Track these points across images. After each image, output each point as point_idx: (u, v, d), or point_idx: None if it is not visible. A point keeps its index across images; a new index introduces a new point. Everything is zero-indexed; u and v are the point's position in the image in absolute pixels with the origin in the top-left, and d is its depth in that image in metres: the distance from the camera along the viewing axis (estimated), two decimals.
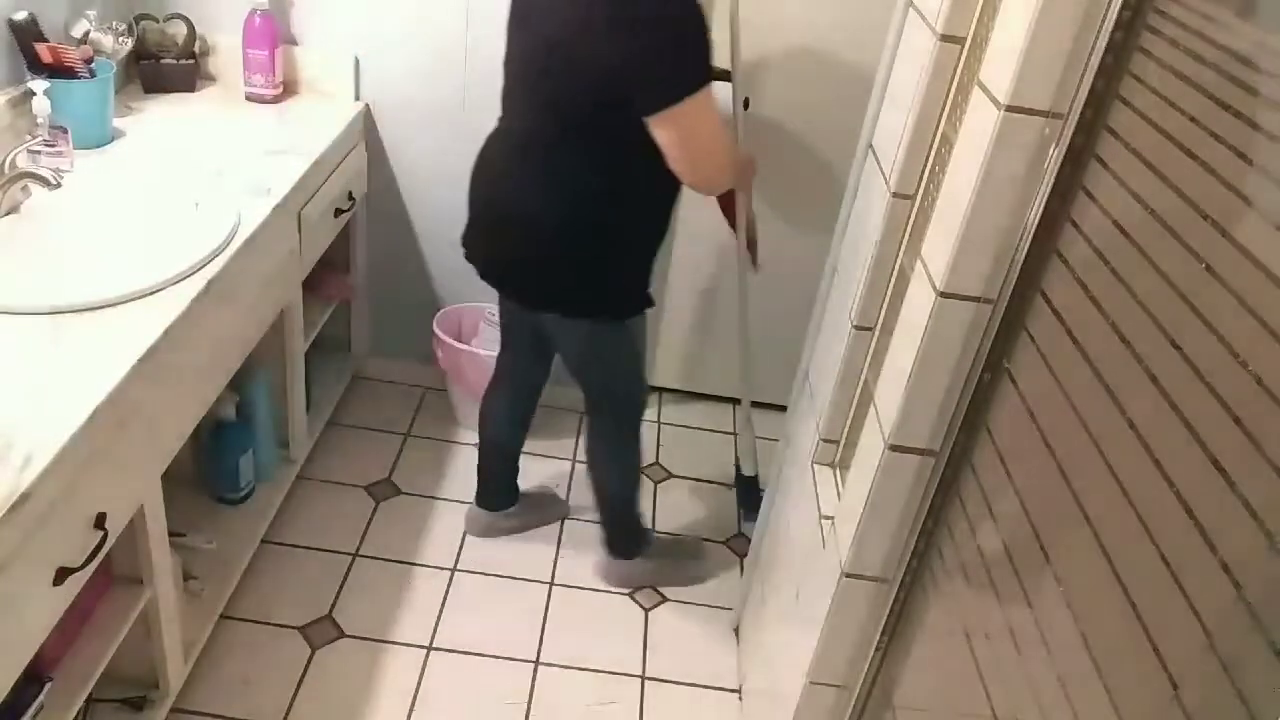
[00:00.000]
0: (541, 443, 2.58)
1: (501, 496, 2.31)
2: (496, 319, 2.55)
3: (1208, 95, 0.83)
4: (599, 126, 1.63)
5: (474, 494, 2.31)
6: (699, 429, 2.79)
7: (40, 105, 1.73)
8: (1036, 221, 1.05)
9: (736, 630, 2.19)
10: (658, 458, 2.66)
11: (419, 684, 1.95)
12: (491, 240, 1.86)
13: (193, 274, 1.53)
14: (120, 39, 2.07)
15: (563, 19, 1.57)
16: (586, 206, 1.71)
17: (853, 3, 2.30)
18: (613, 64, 1.54)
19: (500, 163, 1.80)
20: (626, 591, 2.24)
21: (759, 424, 2.86)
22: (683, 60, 1.56)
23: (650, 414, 2.77)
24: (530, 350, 2.10)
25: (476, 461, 2.29)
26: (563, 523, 2.40)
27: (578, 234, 1.74)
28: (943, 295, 1.16)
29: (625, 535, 2.23)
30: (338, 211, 2.22)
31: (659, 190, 1.76)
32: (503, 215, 1.81)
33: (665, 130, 1.59)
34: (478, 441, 2.26)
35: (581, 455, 2.61)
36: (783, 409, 2.03)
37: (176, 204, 1.75)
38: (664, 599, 2.24)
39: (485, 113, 2.35)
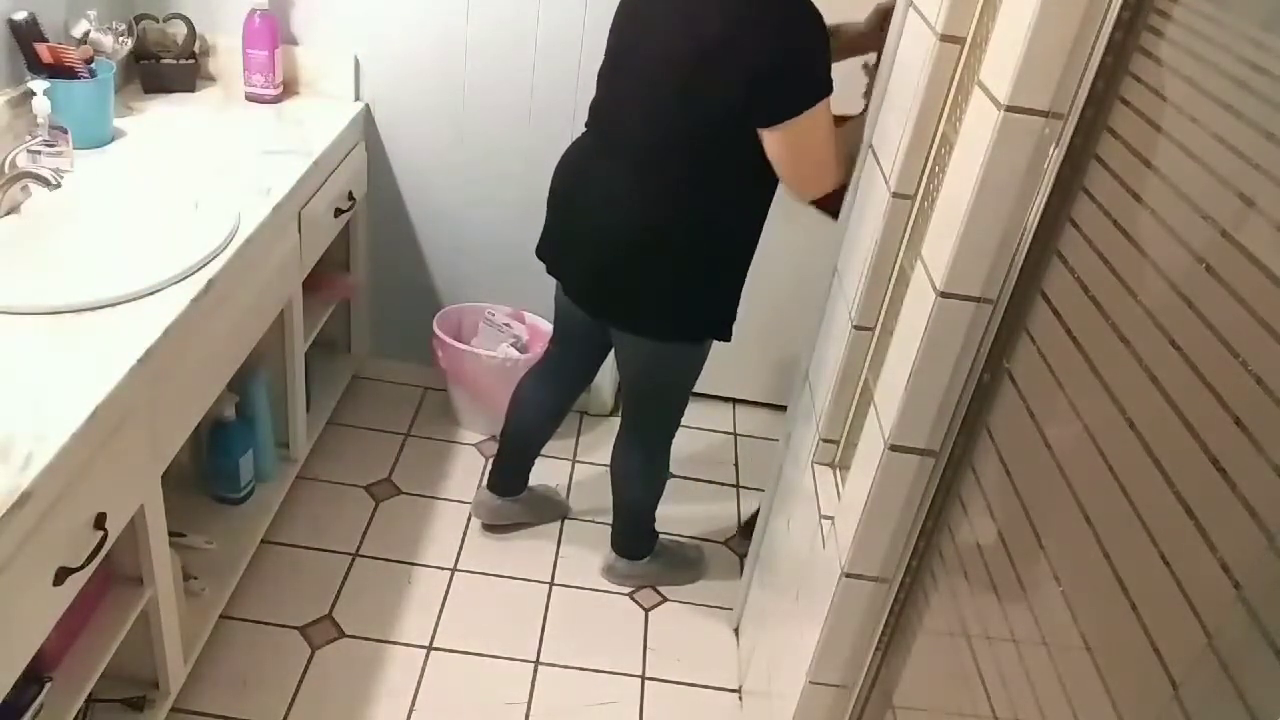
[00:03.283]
0: None
1: (514, 482, 2.31)
2: (496, 319, 2.56)
3: (1208, 95, 0.83)
4: (729, 142, 1.62)
5: (485, 480, 2.32)
6: (699, 429, 2.79)
7: (40, 105, 1.73)
8: (1036, 221, 1.05)
9: (736, 630, 2.19)
10: None
11: (419, 684, 1.95)
12: (590, 261, 1.80)
13: (193, 274, 1.53)
14: (120, 39, 2.07)
15: (714, 29, 1.55)
16: (712, 228, 1.71)
17: (852, 3, 2.29)
18: (761, 67, 1.54)
19: (610, 181, 1.73)
20: (627, 591, 2.24)
21: (759, 424, 2.86)
22: (822, 64, 1.59)
23: None
24: (589, 353, 2.09)
25: (498, 445, 2.29)
26: (563, 522, 2.40)
27: (700, 256, 1.73)
28: (943, 295, 1.16)
29: (638, 539, 2.23)
30: (338, 211, 2.22)
31: (763, 208, 1.77)
32: (613, 239, 1.74)
33: (796, 134, 1.59)
34: (505, 424, 2.24)
35: (581, 455, 2.61)
36: (783, 409, 2.02)
37: (176, 204, 1.75)
38: (664, 599, 2.24)
39: (485, 112, 2.37)
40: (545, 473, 2.51)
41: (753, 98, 1.56)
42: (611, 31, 1.74)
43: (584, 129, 1.84)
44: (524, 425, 2.23)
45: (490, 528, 2.33)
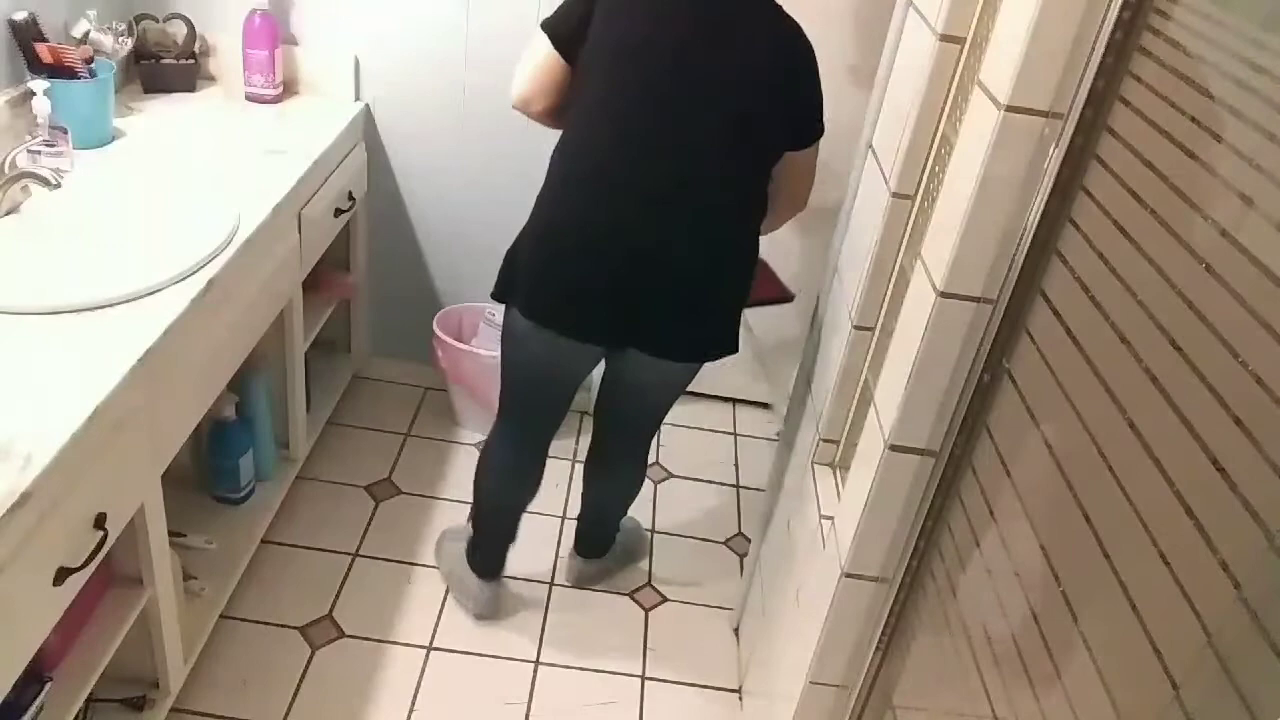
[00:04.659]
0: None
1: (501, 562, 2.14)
2: (496, 319, 2.55)
3: (1208, 95, 0.83)
4: (767, 162, 1.67)
5: (477, 560, 2.11)
6: (699, 429, 2.79)
7: (40, 105, 1.73)
8: (1036, 221, 1.05)
9: (736, 630, 2.19)
10: (658, 457, 2.65)
11: (419, 684, 1.95)
12: (633, 297, 1.65)
13: (193, 274, 1.53)
14: (120, 39, 2.07)
15: (762, 50, 1.59)
16: (754, 242, 1.74)
17: (852, 2, 2.30)
18: (807, 90, 1.63)
19: (644, 209, 1.60)
20: (627, 591, 2.24)
21: (759, 424, 2.86)
22: None
23: None
24: (563, 408, 1.93)
25: (478, 528, 2.09)
26: (562, 522, 2.40)
27: (749, 274, 1.75)
28: (943, 295, 1.16)
29: (605, 542, 2.24)
30: (338, 211, 2.22)
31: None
32: (688, 277, 1.64)
33: (815, 150, 1.70)
34: (481, 507, 2.06)
35: (582, 455, 2.61)
36: (783, 409, 2.02)
37: (176, 204, 1.75)
38: (664, 599, 2.24)
39: (485, 112, 2.37)
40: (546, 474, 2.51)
41: (800, 119, 1.66)
42: (611, 23, 1.59)
43: (574, 139, 1.65)
44: (512, 503, 2.06)
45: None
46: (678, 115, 1.58)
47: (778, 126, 1.64)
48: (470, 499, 2.35)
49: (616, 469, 2.09)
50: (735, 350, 1.78)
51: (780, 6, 1.62)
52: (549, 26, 1.66)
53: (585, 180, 1.63)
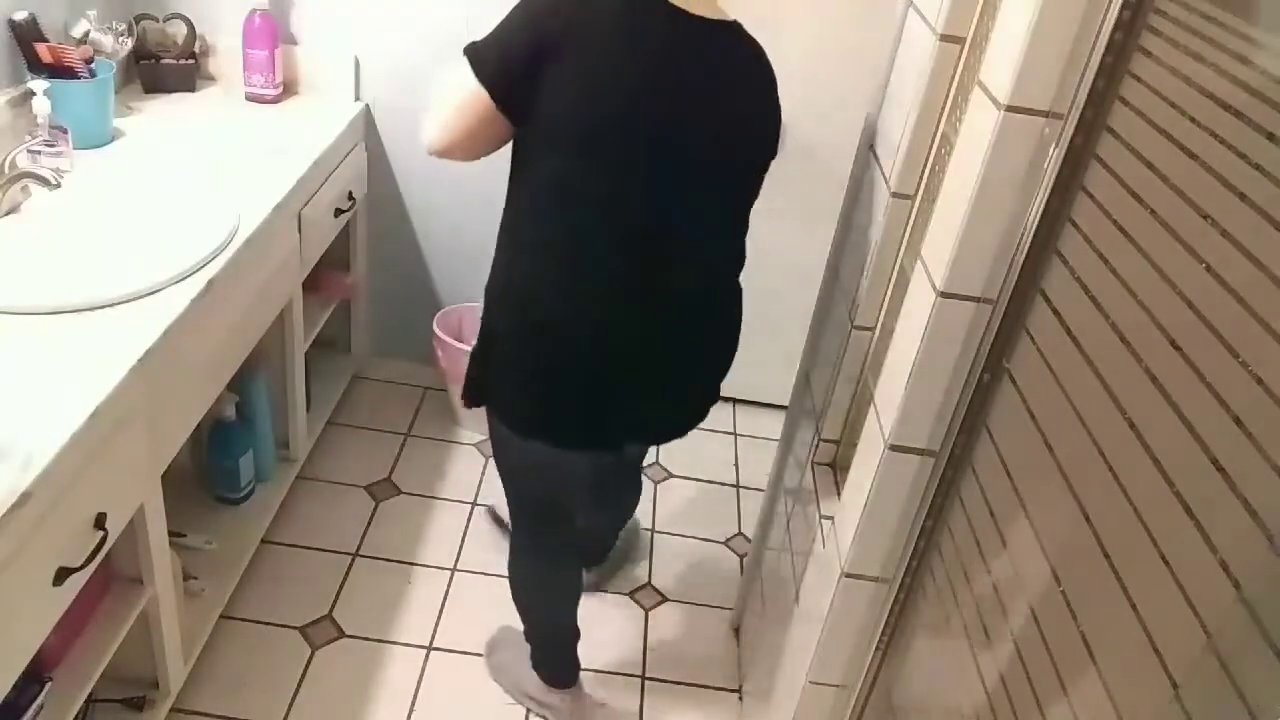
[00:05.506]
0: None
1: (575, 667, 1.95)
2: None
3: (1208, 95, 0.83)
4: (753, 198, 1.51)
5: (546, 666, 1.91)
6: (699, 429, 2.79)
7: (40, 105, 1.73)
8: (1036, 221, 1.05)
9: (736, 630, 2.19)
10: (658, 458, 2.66)
11: (419, 684, 1.95)
12: (688, 393, 1.58)
13: (192, 274, 1.53)
14: (120, 39, 2.07)
15: (748, 90, 1.41)
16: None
17: (852, 2, 2.30)
18: (777, 123, 1.46)
19: (668, 318, 1.46)
20: (627, 591, 2.24)
21: (759, 424, 2.86)
22: None
23: None
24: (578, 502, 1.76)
25: (548, 640, 1.90)
26: None
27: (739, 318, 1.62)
28: (943, 295, 1.16)
29: (607, 551, 2.25)
30: (338, 211, 2.22)
31: None
32: (708, 357, 1.57)
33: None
34: (542, 623, 1.88)
35: None
36: (783, 409, 2.02)
37: (176, 204, 1.75)
38: (664, 599, 2.24)
39: None
40: None
41: (772, 153, 1.47)
42: (583, 92, 1.32)
43: (556, 228, 1.40)
44: (563, 612, 1.86)
45: None
46: (690, 206, 1.40)
47: (764, 169, 1.47)
48: (470, 499, 2.35)
49: (619, 499, 2.08)
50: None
51: (741, 27, 1.40)
52: (485, 73, 1.34)
53: (589, 285, 1.41)
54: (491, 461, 2.43)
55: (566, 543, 1.78)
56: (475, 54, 1.36)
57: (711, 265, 1.50)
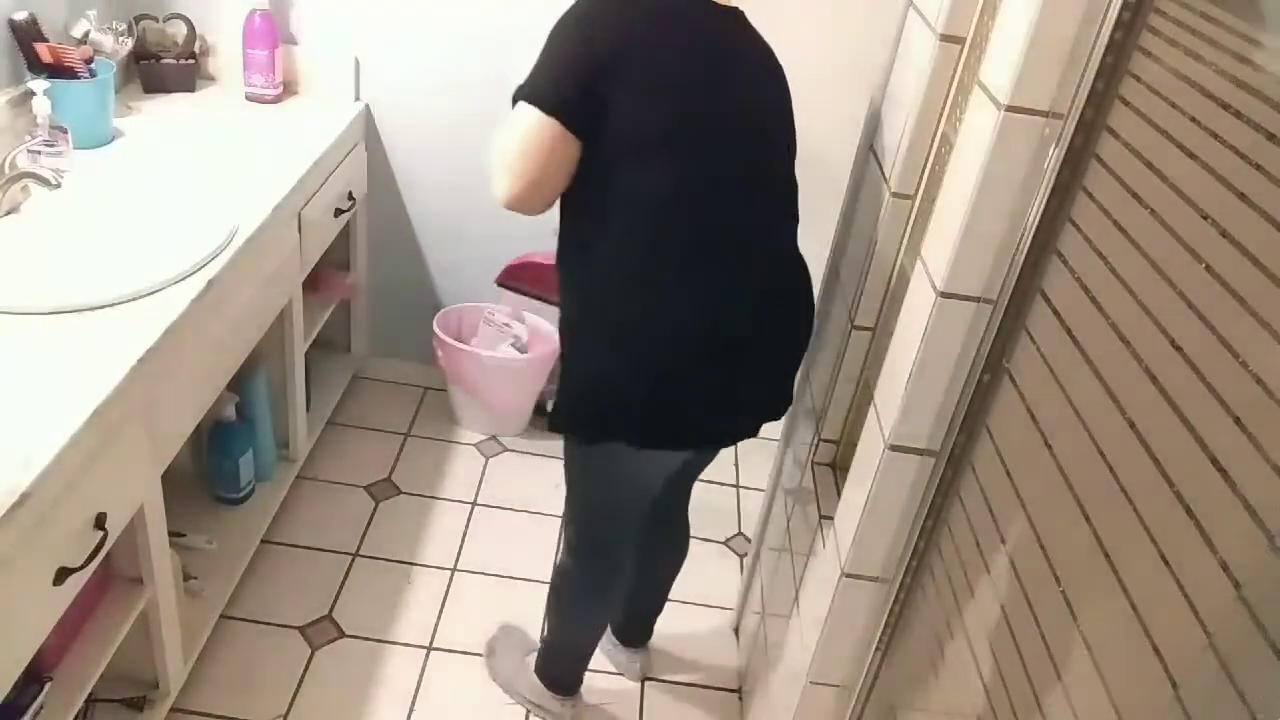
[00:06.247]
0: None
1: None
2: (496, 319, 2.55)
3: (1207, 95, 0.83)
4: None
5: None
6: None
7: (40, 105, 1.73)
8: (1036, 221, 1.05)
9: (736, 630, 2.19)
10: None
11: (419, 684, 1.95)
12: (783, 381, 1.57)
13: (193, 274, 1.53)
14: (120, 39, 2.07)
15: (776, 70, 1.46)
16: None
17: (853, 2, 2.30)
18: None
19: (774, 304, 1.49)
20: None
21: None
22: None
23: None
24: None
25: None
26: (561, 523, 2.40)
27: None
28: (943, 295, 1.16)
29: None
30: (338, 211, 2.22)
31: None
32: (783, 359, 1.56)
33: None
34: (580, 642, 1.90)
35: None
36: None
37: (176, 204, 1.75)
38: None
39: (485, 112, 2.36)
40: (546, 474, 2.51)
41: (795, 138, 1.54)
42: (654, 100, 1.33)
43: (651, 242, 1.38)
44: (600, 638, 1.92)
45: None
46: (761, 193, 1.45)
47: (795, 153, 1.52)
48: (470, 499, 2.34)
49: (676, 532, 1.91)
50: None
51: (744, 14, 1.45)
52: (549, 102, 1.30)
53: (700, 286, 1.39)
54: (491, 462, 2.45)
55: (623, 576, 1.77)
56: (530, 91, 1.33)
57: (790, 246, 1.51)
